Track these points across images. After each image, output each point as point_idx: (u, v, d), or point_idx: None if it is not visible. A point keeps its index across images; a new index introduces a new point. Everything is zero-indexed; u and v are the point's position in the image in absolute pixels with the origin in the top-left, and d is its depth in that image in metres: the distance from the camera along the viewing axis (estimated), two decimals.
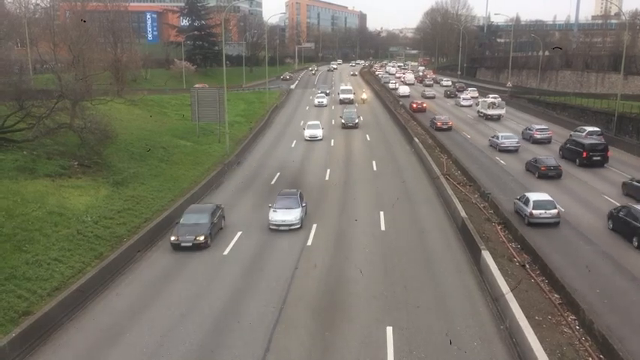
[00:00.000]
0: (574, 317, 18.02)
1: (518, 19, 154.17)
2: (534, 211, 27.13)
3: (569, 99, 70.10)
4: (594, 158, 38.42)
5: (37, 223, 23.48)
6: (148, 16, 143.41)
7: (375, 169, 39.85)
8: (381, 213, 29.02)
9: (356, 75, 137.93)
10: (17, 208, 24.11)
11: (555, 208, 27.45)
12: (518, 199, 29.01)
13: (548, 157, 38.26)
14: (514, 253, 23.71)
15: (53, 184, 28.00)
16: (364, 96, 75.24)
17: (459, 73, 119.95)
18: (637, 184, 30.70)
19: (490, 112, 61.46)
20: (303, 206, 27.90)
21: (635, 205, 25.84)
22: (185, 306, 19.19)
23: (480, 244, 22.22)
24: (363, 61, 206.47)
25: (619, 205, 27.44)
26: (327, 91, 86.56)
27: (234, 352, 16.33)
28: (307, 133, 51.63)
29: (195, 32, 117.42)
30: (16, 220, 23.10)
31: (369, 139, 51.89)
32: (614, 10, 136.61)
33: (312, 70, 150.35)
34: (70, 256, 21.79)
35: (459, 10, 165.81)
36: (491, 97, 66.92)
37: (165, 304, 19.45)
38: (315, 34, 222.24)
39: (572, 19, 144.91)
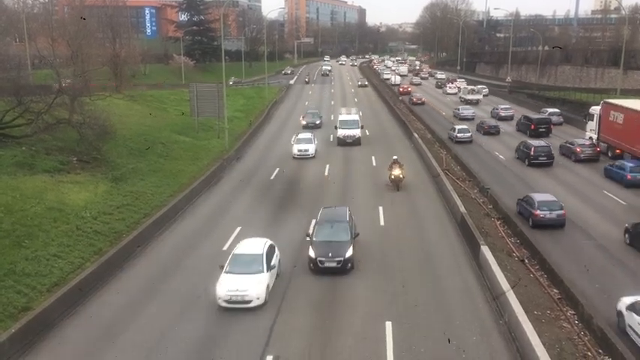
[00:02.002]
0: (573, 312, 18.05)
1: (517, 14, 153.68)
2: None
3: (569, 94, 70.05)
4: (540, 130, 48.52)
5: (36, 218, 23.46)
6: (147, 11, 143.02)
7: (374, 164, 39.84)
8: (380, 208, 29.02)
9: (355, 65, 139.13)
10: (16, 204, 24.08)
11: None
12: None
13: (492, 123, 53.66)
14: (513, 248, 23.75)
15: (52, 180, 27.97)
16: (397, 172, 32.27)
17: (458, 68, 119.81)
18: (567, 144, 41.73)
19: (469, 97, 73.00)
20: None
21: None
22: (184, 302, 19.20)
23: (479, 239, 22.24)
24: (358, 57, 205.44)
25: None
26: (318, 121, 55.08)
27: (235, 346, 16.35)
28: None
29: (194, 27, 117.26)
30: (15, 216, 23.08)
31: (367, 133, 51.85)
32: (613, 5, 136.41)
33: (287, 72, 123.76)
34: (69, 252, 21.78)
35: (458, 5, 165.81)
36: (479, 87, 79.91)
37: (165, 300, 19.47)
38: (315, 29, 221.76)
39: (572, 14, 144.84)
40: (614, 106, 39.86)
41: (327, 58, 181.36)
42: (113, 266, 21.62)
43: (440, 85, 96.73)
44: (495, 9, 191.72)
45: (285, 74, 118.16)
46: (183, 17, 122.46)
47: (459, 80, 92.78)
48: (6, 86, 32.77)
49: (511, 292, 17.84)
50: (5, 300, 17.90)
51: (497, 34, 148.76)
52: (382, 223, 27.17)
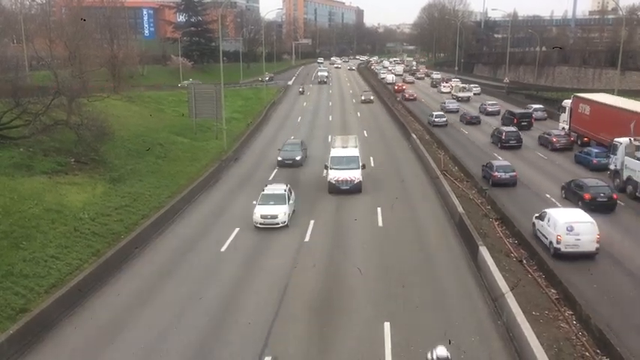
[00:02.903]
0: (571, 312, 18.07)
1: (515, 15, 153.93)
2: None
3: (566, 94, 69.91)
4: (522, 123, 52.19)
5: (34, 220, 23.43)
6: (145, 12, 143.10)
7: (372, 164, 39.85)
8: (379, 209, 29.03)
9: (353, 69, 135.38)
10: (14, 206, 24.05)
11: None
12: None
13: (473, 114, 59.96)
14: (511, 248, 23.77)
15: (50, 181, 27.93)
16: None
17: (456, 68, 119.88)
18: (545, 135, 45.45)
19: (460, 94, 78.47)
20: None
21: None
22: (183, 303, 19.19)
23: (478, 240, 22.24)
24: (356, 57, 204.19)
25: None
26: (299, 156, 39.66)
27: (233, 347, 16.35)
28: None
29: (192, 28, 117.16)
30: (13, 217, 23.05)
31: (366, 134, 51.92)
32: (611, 6, 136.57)
33: (265, 79, 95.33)
34: (67, 253, 21.75)
35: (456, 6, 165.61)
36: (470, 86, 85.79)
37: (163, 300, 19.46)
38: (313, 30, 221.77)
39: (570, 15, 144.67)
40: (582, 99, 44.38)
41: (320, 60, 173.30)
42: (111, 267, 21.60)
43: (435, 84, 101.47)
44: (493, 10, 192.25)
45: (261, 81, 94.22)
46: (181, 18, 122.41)
47: (453, 80, 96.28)
48: (4, 87, 32.74)
49: (509, 292, 17.87)
50: (3, 301, 17.87)
51: (495, 35, 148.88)
52: (380, 224, 27.19)
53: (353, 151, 33.75)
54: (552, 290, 19.69)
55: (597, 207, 27.57)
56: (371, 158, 40.88)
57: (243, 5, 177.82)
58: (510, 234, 25.51)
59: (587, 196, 28.02)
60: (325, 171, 33.36)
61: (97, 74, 49.27)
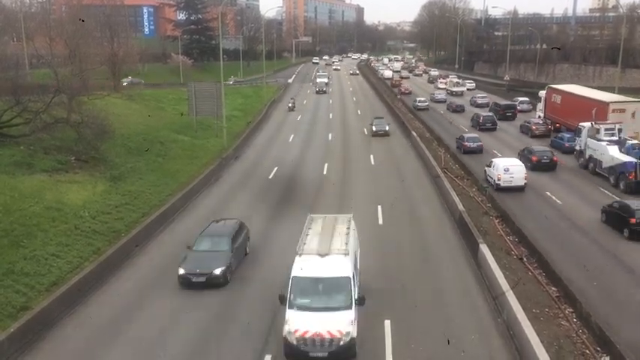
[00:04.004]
0: (571, 310, 18.08)
1: (515, 12, 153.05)
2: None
3: None
4: (507, 114, 58.45)
5: (35, 218, 23.44)
6: (145, 10, 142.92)
7: (372, 162, 39.85)
8: (379, 207, 29.03)
9: (357, 74, 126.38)
10: (15, 204, 24.06)
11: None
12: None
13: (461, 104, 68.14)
14: (512, 246, 23.77)
15: (50, 180, 27.94)
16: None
17: (456, 66, 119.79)
18: (526, 124, 50.77)
19: (454, 89, 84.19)
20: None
21: None
22: (182, 301, 19.19)
23: (478, 238, 22.26)
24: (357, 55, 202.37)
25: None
26: (217, 272, 20.21)
27: (230, 349, 16.35)
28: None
29: (192, 26, 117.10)
30: (14, 216, 23.06)
31: (365, 132, 51.91)
32: (611, 3, 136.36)
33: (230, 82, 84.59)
34: (67, 252, 21.77)
35: (456, 4, 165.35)
36: (464, 81, 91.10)
37: (164, 299, 19.44)
38: (313, 28, 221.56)
39: (570, 12, 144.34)
40: (554, 90, 50.42)
41: (316, 59, 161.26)
42: (112, 266, 21.60)
43: (431, 80, 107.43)
44: (493, 7, 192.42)
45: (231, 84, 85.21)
46: (182, 16, 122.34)
47: (451, 76, 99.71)
48: (4, 85, 32.68)
49: (510, 290, 17.87)
50: (4, 299, 17.90)
51: (496, 33, 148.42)
52: (381, 222, 27.19)
53: (340, 265, 16.14)
54: (553, 288, 19.70)
55: (542, 166, 36.03)
56: (371, 156, 40.89)
57: (244, 3, 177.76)
58: (511, 232, 25.51)
59: (534, 158, 36.06)
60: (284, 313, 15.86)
61: (98, 72, 49.17)
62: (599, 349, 15.83)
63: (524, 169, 32.66)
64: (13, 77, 34.18)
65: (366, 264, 21.90)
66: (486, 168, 34.53)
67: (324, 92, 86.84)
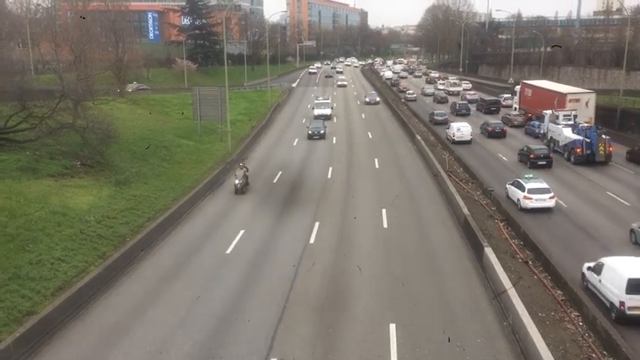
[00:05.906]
0: (577, 314, 18.00)
1: (519, 16, 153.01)
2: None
3: None
4: (492, 108, 65.80)
5: (40, 223, 23.52)
6: (149, 16, 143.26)
7: (377, 166, 39.84)
8: (384, 210, 29.01)
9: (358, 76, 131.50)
10: (20, 208, 24.16)
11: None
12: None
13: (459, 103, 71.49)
14: (517, 249, 23.69)
15: (56, 184, 28.05)
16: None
17: (460, 69, 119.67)
18: (507, 116, 58.56)
19: (451, 88, 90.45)
20: None
21: None
22: (188, 305, 19.21)
23: (483, 241, 22.20)
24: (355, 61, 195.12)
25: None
26: None
27: (238, 350, 16.35)
28: None
29: (197, 31, 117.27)
30: (20, 220, 23.15)
31: (370, 136, 51.88)
32: (615, 6, 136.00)
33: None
34: (73, 256, 21.81)
35: (460, 7, 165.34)
36: (460, 82, 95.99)
37: (168, 303, 19.48)
38: (317, 32, 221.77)
39: (574, 15, 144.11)
40: (527, 85, 58.29)
41: (313, 69, 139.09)
42: (117, 270, 21.65)
43: (430, 81, 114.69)
44: (497, 11, 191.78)
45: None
46: (186, 21, 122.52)
47: (450, 78, 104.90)
48: (10, 91, 32.88)
49: (515, 292, 17.81)
50: (10, 304, 17.93)
51: (500, 36, 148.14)
52: (385, 225, 27.17)
53: None
54: (558, 292, 19.62)
55: (496, 134, 48.78)
56: (375, 160, 40.86)
57: (248, 8, 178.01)
58: (516, 235, 25.43)
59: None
60: None
61: (103, 77, 49.42)
62: (605, 352, 15.73)
63: (471, 129, 47.48)
64: (19, 83, 34.34)
65: (372, 267, 21.93)
66: (447, 130, 49.11)
67: (323, 138, 51.02)
